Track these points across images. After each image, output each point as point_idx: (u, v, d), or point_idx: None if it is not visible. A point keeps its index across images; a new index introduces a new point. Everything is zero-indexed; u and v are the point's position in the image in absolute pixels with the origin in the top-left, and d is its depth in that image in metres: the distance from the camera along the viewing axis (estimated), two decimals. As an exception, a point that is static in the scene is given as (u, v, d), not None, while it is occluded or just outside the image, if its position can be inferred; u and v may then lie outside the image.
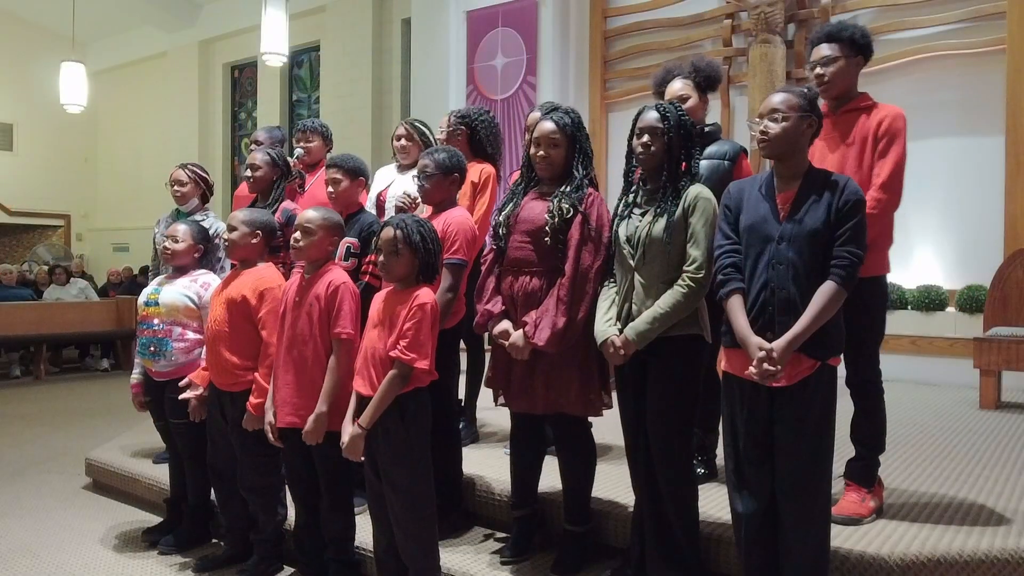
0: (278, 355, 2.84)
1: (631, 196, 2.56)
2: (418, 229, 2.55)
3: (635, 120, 2.51)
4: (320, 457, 2.76)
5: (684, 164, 2.49)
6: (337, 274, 2.80)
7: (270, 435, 2.84)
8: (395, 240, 2.53)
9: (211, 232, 3.80)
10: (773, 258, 2.18)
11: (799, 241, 2.16)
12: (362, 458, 2.56)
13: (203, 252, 3.42)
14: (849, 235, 2.13)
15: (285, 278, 3.12)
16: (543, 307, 2.55)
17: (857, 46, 2.66)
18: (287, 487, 3.01)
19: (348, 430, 2.55)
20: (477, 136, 3.64)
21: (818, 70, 2.67)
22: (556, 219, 2.56)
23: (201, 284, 3.30)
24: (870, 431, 2.71)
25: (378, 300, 2.66)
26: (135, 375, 3.49)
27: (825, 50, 2.66)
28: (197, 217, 3.85)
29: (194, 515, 3.41)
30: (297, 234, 2.76)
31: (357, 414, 2.55)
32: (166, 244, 3.32)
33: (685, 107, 2.93)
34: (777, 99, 2.24)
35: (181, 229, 3.34)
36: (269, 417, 2.84)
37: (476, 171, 3.53)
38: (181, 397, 3.15)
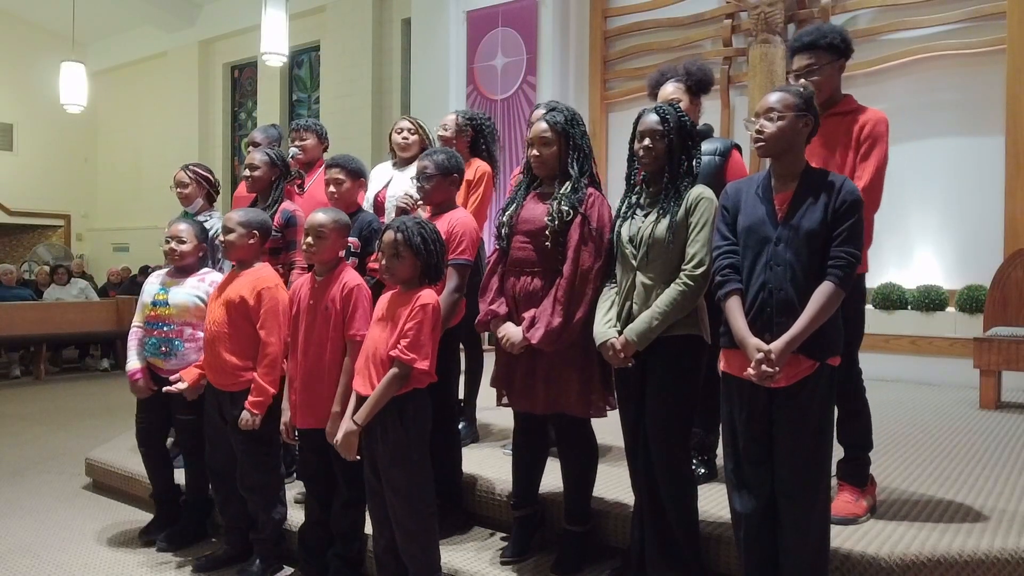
0: (294, 357, 2.84)
1: (633, 197, 2.56)
2: (419, 231, 2.55)
3: (635, 123, 2.52)
4: (339, 455, 2.77)
5: (685, 164, 2.49)
6: (351, 275, 2.81)
7: (285, 434, 2.86)
8: (395, 243, 2.54)
9: (212, 232, 3.80)
10: (771, 259, 2.18)
11: (796, 242, 2.15)
12: (357, 457, 2.57)
13: (205, 251, 3.43)
14: (846, 235, 2.13)
15: (283, 279, 3.12)
16: (541, 306, 2.56)
17: (837, 50, 2.69)
18: (304, 484, 3.01)
19: (344, 427, 2.57)
20: (481, 137, 3.70)
21: (803, 80, 2.68)
22: (556, 222, 2.56)
23: (209, 283, 3.30)
24: (856, 431, 2.73)
25: (383, 300, 2.67)
26: (136, 363, 3.30)
27: (806, 59, 2.68)
28: (201, 218, 3.85)
29: (191, 512, 3.42)
30: (310, 239, 2.76)
31: (341, 413, 2.59)
32: (171, 245, 3.29)
33: None
34: (773, 98, 2.24)
35: (183, 229, 3.32)
36: (286, 417, 2.86)
37: (472, 169, 3.55)
38: (166, 390, 3.16)
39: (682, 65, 3.17)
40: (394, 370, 2.50)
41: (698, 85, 3.13)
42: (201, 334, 3.25)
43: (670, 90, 3.09)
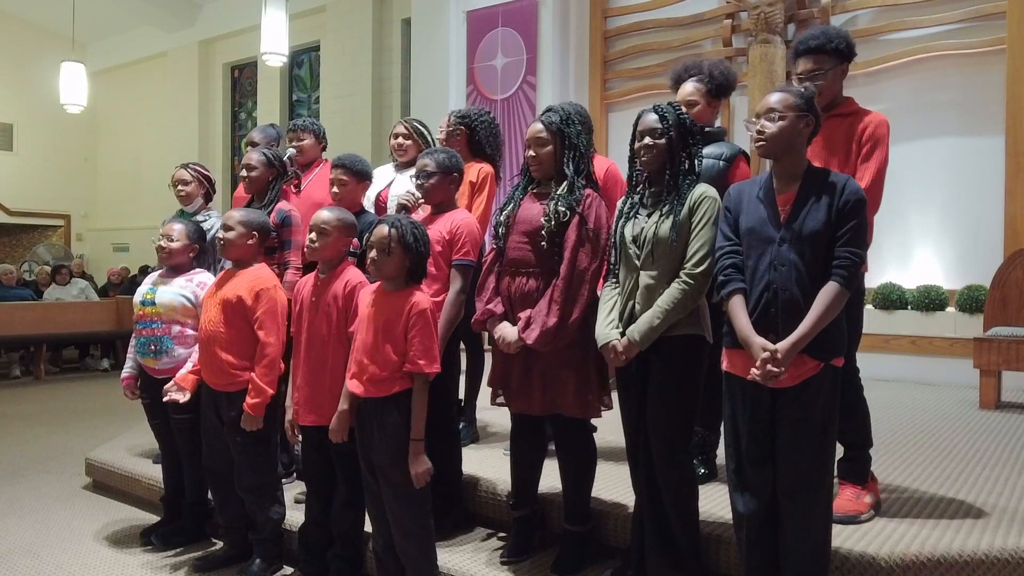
0: (297, 355, 2.84)
1: (636, 196, 2.56)
2: (412, 230, 2.56)
3: (635, 124, 2.52)
4: (339, 454, 2.77)
5: (687, 163, 2.49)
6: (353, 273, 2.82)
7: (289, 433, 2.87)
8: (388, 238, 2.53)
9: (212, 232, 3.79)
10: (775, 260, 2.17)
11: (800, 243, 2.15)
12: (428, 477, 2.58)
13: (198, 251, 3.41)
14: (850, 236, 2.13)
15: (279, 278, 3.12)
16: (537, 307, 2.56)
17: (842, 55, 2.72)
18: (306, 484, 3.02)
19: (337, 428, 2.62)
20: (476, 136, 3.65)
21: (807, 84, 2.69)
22: (552, 223, 2.56)
23: (197, 284, 3.30)
24: (854, 428, 2.73)
25: (367, 297, 2.65)
26: (127, 369, 3.47)
27: (810, 63, 2.72)
28: (199, 217, 3.84)
29: (192, 512, 3.42)
30: (313, 235, 2.77)
31: (349, 411, 2.61)
32: (161, 243, 3.31)
33: (692, 112, 2.94)
34: (774, 99, 2.24)
35: (177, 228, 3.33)
36: (289, 415, 2.86)
37: (474, 171, 3.54)
38: (166, 400, 3.14)
39: (706, 64, 3.17)
40: (417, 382, 2.54)
41: (718, 89, 3.14)
42: (191, 332, 3.26)
43: (689, 89, 3.11)
